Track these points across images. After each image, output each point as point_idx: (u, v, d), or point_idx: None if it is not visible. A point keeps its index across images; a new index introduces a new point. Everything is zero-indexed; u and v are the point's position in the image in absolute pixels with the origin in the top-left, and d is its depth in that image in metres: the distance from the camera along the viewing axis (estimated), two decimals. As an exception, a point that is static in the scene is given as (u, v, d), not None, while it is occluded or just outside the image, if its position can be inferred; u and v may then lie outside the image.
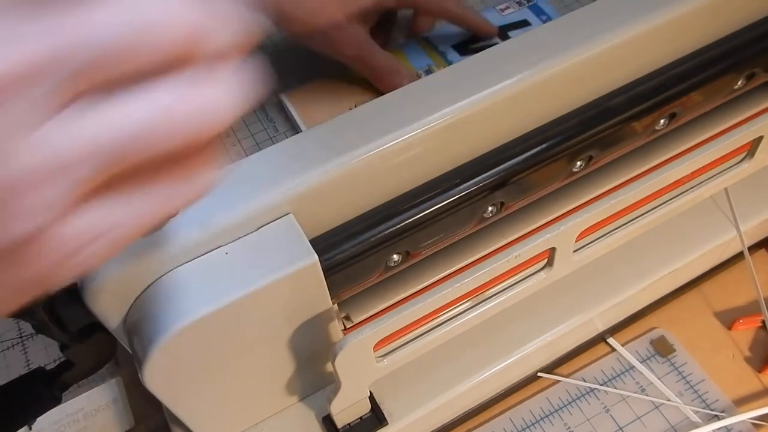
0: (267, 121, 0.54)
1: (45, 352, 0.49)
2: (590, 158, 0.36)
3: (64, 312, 0.28)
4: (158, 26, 0.16)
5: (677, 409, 0.41)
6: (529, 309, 0.39)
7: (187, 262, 0.28)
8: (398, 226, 0.32)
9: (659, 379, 0.42)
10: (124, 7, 0.16)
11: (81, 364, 0.32)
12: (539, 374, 0.42)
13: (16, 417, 0.32)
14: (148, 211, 0.18)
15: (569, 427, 0.41)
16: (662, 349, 0.43)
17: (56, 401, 0.32)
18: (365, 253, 0.31)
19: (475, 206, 0.33)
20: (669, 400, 0.41)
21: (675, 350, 0.43)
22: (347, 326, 0.35)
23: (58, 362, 0.33)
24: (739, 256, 0.46)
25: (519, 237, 0.37)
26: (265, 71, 0.18)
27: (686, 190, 0.36)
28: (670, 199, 0.35)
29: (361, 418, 0.36)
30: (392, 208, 0.32)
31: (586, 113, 0.34)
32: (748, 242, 0.44)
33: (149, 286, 0.28)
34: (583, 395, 0.42)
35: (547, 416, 0.42)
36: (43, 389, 0.32)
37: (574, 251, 0.34)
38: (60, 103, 0.15)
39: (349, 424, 0.36)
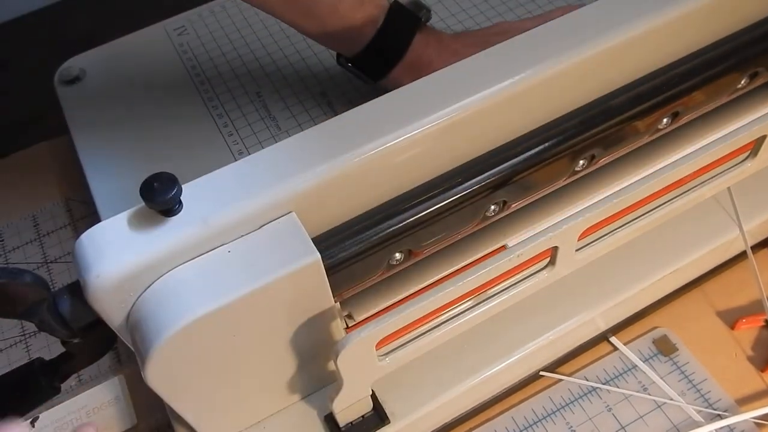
0: (269, 119, 0.54)
1: (48, 350, 0.49)
2: (593, 157, 0.36)
3: (66, 311, 0.28)
4: None
5: (679, 409, 0.41)
6: (531, 308, 0.39)
7: (189, 260, 0.28)
8: (401, 224, 0.32)
9: (661, 378, 0.42)
10: None
11: (81, 355, 0.32)
12: (541, 373, 0.42)
13: (15, 406, 0.32)
14: None
15: (571, 426, 0.41)
16: (665, 348, 0.43)
17: (56, 391, 0.33)
18: (367, 251, 0.31)
19: (478, 205, 0.33)
20: (672, 399, 0.41)
21: (677, 349, 0.43)
22: (349, 325, 0.35)
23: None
24: (742, 256, 0.46)
25: (521, 236, 0.37)
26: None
27: (689, 190, 0.36)
28: (673, 198, 0.35)
29: (363, 416, 0.36)
30: (395, 206, 0.32)
31: (588, 112, 0.34)
32: (751, 241, 0.44)
33: (152, 284, 0.28)
34: (585, 394, 0.42)
35: (549, 415, 0.42)
36: (43, 379, 0.32)
37: (577, 250, 0.34)
38: None
39: (351, 422, 0.36)
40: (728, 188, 0.41)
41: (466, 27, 0.59)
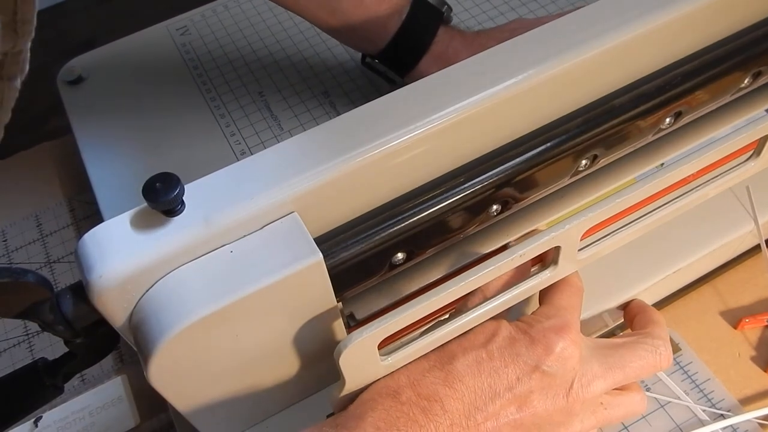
0: (272, 119, 0.54)
1: (51, 350, 0.49)
2: (595, 157, 0.36)
3: (69, 311, 0.28)
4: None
5: (682, 408, 0.41)
6: (534, 307, 0.39)
7: (191, 260, 0.28)
8: (403, 224, 0.32)
9: (665, 377, 0.42)
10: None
11: (84, 356, 0.32)
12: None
13: (20, 406, 0.32)
14: None
15: (574, 426, 0.41)
16: (668, 348, 0.43)
17: (59, 391, 0.33)
18: (370, 251, 0.31)
19: (480, 204, 0.33)
20: (678, 398, 0.41)
21: (681, 349, 0.43)
22: (351, 324, 0.35)
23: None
24: (744, 256, 0.46)
25: (524, 235, 0.37)
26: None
27: (690, 190, 0.36)
28: (675, 198, 0.35)
29: (365, 416, 0.36)
30: (397, 206, 0.32)
31: (591, 112, 0.34)
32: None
33: (154, 284, 0.28)
34: (588, 394, 0.42)
35: (551, 415, 0.41)
36: (46, 379, 0.32)
37: (579, 250, 0.34)
38: None
39: (353, 422, 0.36)
40: (741, 186, 0.41)
41: (470, 17, 0.59)
